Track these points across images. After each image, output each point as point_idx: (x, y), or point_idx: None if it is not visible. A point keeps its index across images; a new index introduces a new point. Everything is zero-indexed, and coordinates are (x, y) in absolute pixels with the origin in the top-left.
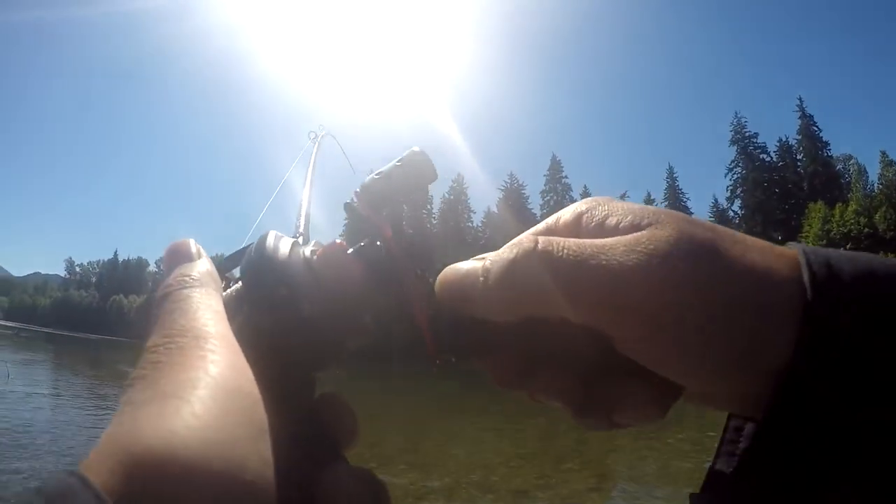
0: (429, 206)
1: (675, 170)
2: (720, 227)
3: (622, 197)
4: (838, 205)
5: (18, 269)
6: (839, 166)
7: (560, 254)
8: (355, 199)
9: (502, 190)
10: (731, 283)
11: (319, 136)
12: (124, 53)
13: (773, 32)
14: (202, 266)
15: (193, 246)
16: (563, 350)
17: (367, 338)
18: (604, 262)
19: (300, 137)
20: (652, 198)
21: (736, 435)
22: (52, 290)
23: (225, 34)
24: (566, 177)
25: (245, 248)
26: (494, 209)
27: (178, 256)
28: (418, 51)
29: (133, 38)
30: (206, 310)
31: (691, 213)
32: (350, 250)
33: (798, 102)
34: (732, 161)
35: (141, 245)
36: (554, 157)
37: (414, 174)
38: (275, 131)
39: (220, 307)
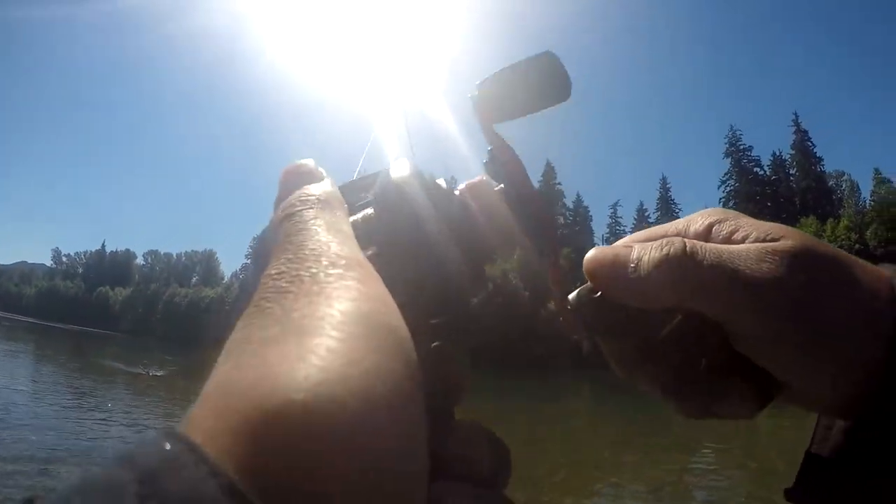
0: None
1: (668, 180)
2: (836, 248)
3: (614, 206)
4: (830, 220)
5: (4, 258)
6: (831, 182)
7: (704, 256)
8: (476, 111)
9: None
10: (848, 294)
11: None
12: (124, 44)
13: (771, 47)
14: (327, 185)
15: (315, 165)
16: (686, 339)
17: (485, 289)
18: (740, 267)
19: (300, 132)
20: (644, 207)
21: (826, 433)
22: (38, 279)
23: (223, 25)
24: (559, 183)
25: (374, 175)
26: None
27: (298, 176)
28: (415, 39)
29: (132, 32)
30: (338, 233)
31: None
32: (497, 187)
33: (793, 117)
34: (726, 173)
35: (129, 237)
36: (548, 163)
37: (544, 84)
38: (273, 127)
39: (351, 231)
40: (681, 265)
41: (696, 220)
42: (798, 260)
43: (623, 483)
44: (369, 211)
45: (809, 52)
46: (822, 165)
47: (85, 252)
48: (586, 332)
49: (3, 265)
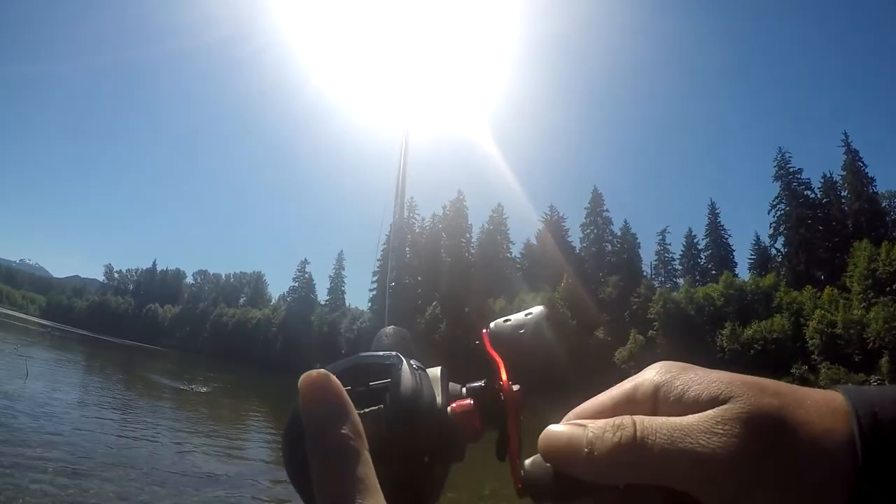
0: (468, 235)
1: (717, 205)
2: (784, 388)
3: (662, 233)
4: (884, 242)
5: (58, 271)
6: (885, 203)
7: (654, 440)
8: (485, 339)
9: (542, 221)
10: (796, 459)
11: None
12: (192, 68)
13: (820, 68)
14: (355, 417)
15: (338, 386)
16: (636, 501)
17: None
18: (689, 446)
19: (344, 157)
20: (693, 234)
21: None
22: (90, 293)
23: (273, 50)
24: (607, 210)
25: (383, 363)
26: (534, 241)
27: (324, 397)
28: (465, 66)
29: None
30: (376, 492)
31: (732, 251)
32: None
33: (843, 137)
34: (776, 197)
35: (180, 257)
36: (595, 190)
37: (538, 339)
38: (319, 153)
39: (374, 476)
40: (633, 451)
41: (643, 384)
42: (749, 428)
43: None
44: (380, 423)
45: (858, 69)
46: (875, 186)
47: (136, 269)
48: (538, 497)
49: (57, 278)
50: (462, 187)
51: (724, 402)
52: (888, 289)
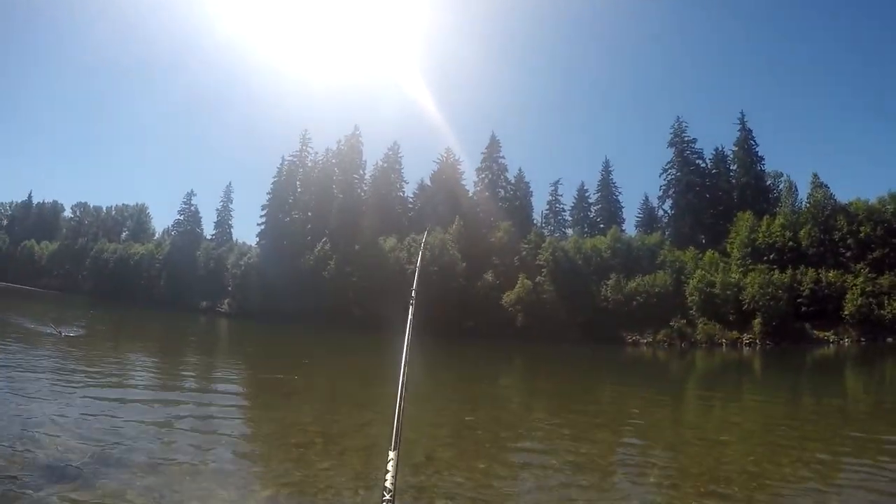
0: (361, 172)
1: (611, 163)
2: None
3: (555, 184)
4: (766, 217)
5: None
6: (769, 181)
7: None
8: None
9: (437, 163)
10: None
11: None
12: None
13: (726, 46)
14: None
15: None
16: None
17: None
18: None
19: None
20: (586, 188)
21: None
22: None
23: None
24: (503, 157)
25: None
26: (428, 182)
27: None
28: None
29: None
30: None
31: (622, 207)
32: None
33: (740, 116)
34: (668, 163)
35: (57, 188)
36: (493, 136)
37: None
38: (211, 83)
39: None
40: None
41: None
42: None
43: (552, 451)
44: None
45: (762, 56)
46: (763, 164)
47: (10, 203)
48: None
49: None
50: (360, 125)
51: None
52: (765, 258)
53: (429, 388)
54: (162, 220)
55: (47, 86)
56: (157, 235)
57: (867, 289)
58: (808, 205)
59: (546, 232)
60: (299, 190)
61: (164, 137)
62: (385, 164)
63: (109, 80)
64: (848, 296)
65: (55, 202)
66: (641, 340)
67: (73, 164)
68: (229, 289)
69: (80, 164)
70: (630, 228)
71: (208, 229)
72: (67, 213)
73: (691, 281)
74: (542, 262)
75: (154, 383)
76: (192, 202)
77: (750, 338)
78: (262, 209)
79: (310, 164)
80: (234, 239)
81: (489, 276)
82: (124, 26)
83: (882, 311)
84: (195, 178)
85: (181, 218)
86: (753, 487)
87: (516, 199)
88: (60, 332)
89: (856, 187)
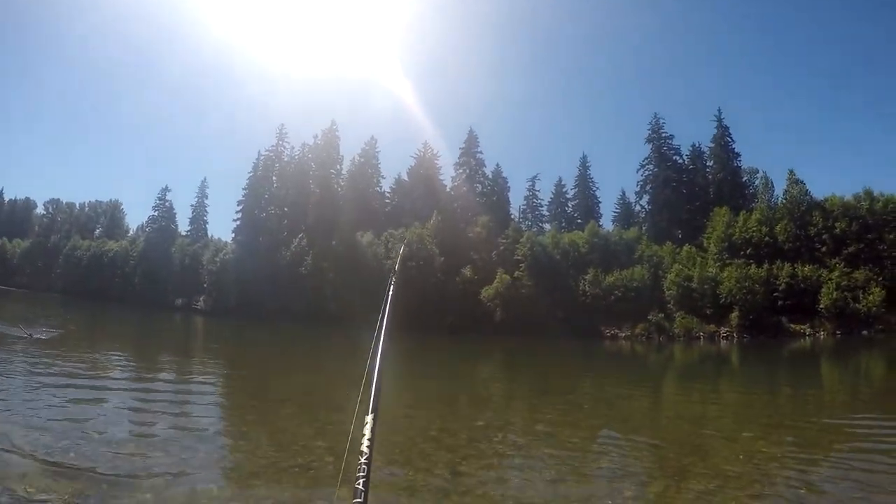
0: (338, 167)
1: (588, 159)
2: None
3: (533, 179)
4: (742, 212)
5: None
6: (745, 177)
7: None
8: None
9: (415, 158)
10: None
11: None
12: None
13: (703, 43)
14: None
15: None
16: None
17: None
18: None
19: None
20: (563, 183)
21: None
22: None
23: None
24: (481, 152)
25: None
26: (405, 177)
27: None
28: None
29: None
30: None
31: (599, 202)
32: None
33: (717, 113)
34: (646, 158)
35: (29, 184)
36: (471, 131)
37: None
38: (185, 76)
39: None
40: None
41: None
42: None
43: (530, 445)
44: None
45: (739, 53)
46: (739, 161)
47: None
48: None
49: None
50: (340, 120)
51: None
52: (742, 253)
53: (405, 382)
54: (136, 216)
55: (19, 81)
56: (131, 232)
57: (842, 283)
58: (784, 201)
59: (523, 227)
60: (276, 185)
61: (138, 133)
62: (362, 159)
63: (83, 76)
64: (823, 290)
65: (27, 199)
66: (620, 334)
67: (45, 160)
68: (205, 286)
69: (52, 161)
70: (607, 223)
71: (183, 226)
72: (40, 210)
73: (669, 275)
74: (520, 257)
75: (125, 390)
76: (167, 198)
77: (727, 331)
78: (238, 205)
79: (286, 159)
80: (210, 235)
81: (467, 271)
82: (100, 22)
83: (857, 305)
84: (170, 174)
85: (156, 214)
86: (737, 465)
87: (494, 194)
88: (30, 335)
89: (832, 184)
